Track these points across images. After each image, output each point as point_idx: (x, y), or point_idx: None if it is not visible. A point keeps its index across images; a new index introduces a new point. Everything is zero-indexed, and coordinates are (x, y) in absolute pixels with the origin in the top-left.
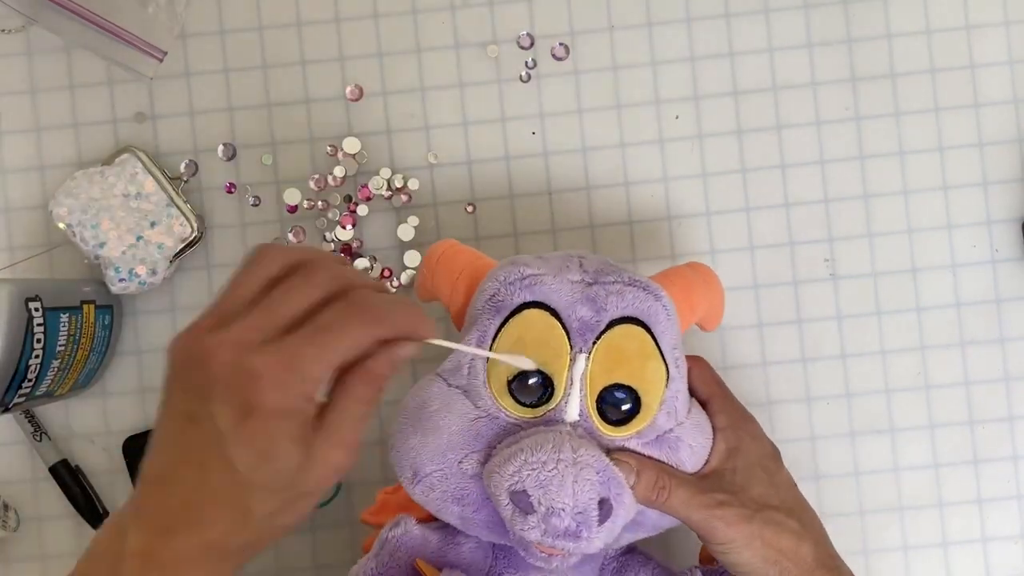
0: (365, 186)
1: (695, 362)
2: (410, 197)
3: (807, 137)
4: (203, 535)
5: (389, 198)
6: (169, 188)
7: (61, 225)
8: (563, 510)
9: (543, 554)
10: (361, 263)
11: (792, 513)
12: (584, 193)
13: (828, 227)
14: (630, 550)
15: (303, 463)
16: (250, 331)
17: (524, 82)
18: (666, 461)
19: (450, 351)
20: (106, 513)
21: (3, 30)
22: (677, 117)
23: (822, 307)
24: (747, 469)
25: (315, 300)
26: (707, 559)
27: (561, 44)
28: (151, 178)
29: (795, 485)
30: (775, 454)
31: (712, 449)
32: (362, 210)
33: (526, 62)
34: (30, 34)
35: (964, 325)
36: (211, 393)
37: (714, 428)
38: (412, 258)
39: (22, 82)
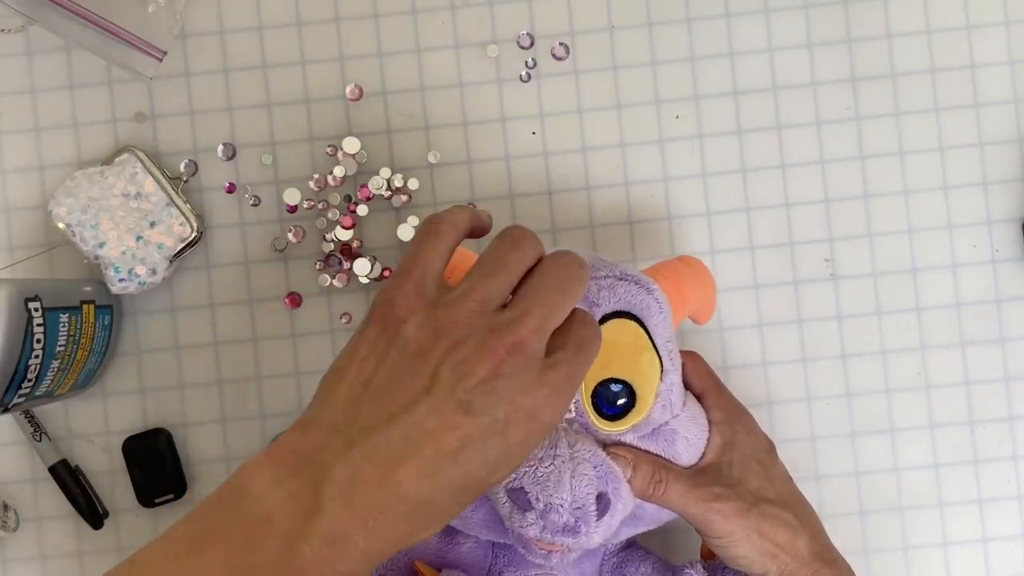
0: (365, 186)
1: (689, 357)
2: (410, 197)
3: (807, 137)
4: (423, 530)
5: (389, 198)
6: (169, 188)
7: (61, 225)
8: (561, 506)
9: (543, 551)
10: (361, 263)
11: (788, 506)
12: (584, 193)
13: (828, 227)
14: (629, 545)
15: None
16: (537, 334)
17: (524, 82)
18: (663, 454)
19: None
20: (106, 513)
21: (3, 30)
22: (677, 117)
23: (822, 307)
24: (743, 463)
25: (573, 307)
26: (708, 554)
27: (561, 44)
28: (151, 178)
29: (790, 479)
30: (770, 447)
31: (708, 443)
32: (362, 210)
33: (526, 62)
34: (30, 34)
35: (964, 325)
36: (502, 397)
37: (709, 422)
38: None
39: (22, 82)
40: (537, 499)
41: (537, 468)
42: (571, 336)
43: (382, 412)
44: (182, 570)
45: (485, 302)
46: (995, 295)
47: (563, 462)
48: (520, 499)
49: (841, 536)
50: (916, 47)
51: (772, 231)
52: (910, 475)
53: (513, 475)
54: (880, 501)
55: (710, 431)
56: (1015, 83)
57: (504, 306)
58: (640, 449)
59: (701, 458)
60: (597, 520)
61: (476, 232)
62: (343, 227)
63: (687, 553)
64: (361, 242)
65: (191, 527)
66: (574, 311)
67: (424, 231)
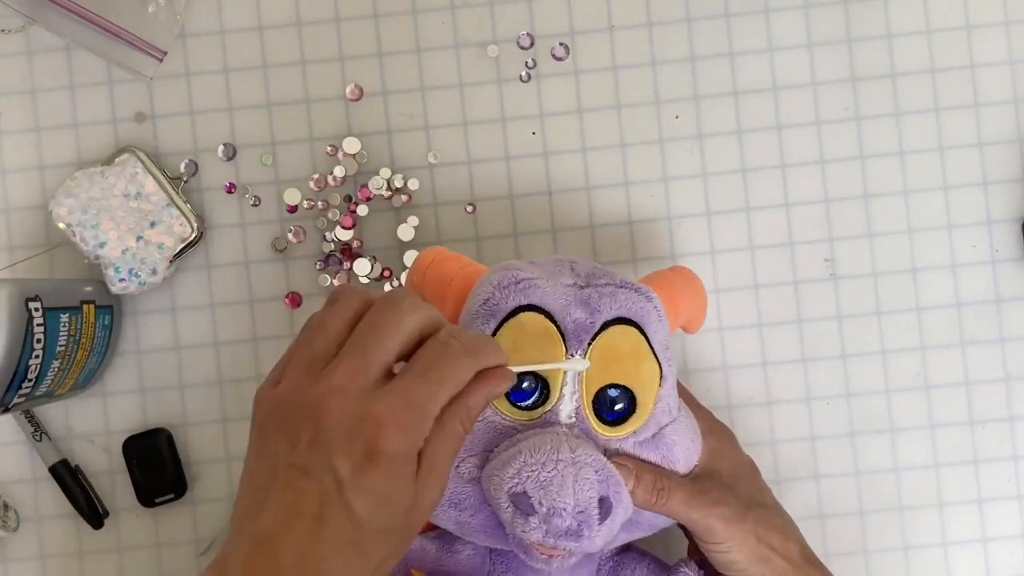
0: (365, 186)
1: None
2: (410, 197)
3: (807, 137)
4: None
5: (389, 198)
6: (169, 188)
7: (61, 225)
8: (564, 510)
9: (544, 556)
10: (361, 263)
11: (776, 513)
12: (584, 193)
13: (828, 227)
14: (625, 548)
15: (413, 503)
16: (355, 376)
17: (524, 82)
18: (661, 460)
19: None
20: (106, 513)
21: (3, 30)
22: (677, 117)
23: (822, 307)
24: (732, 471)
25: (408, 338)
26: (694, 554)
27: (561, 44)
28: (151, 178)
29: (772, 492)
30: (752, 463)
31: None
32: (362, 210)
33: (526, 62)
34: (30, 34)
35: (964, 325)
36: (329, 444)
37: None
38: (412, 258)
39: (22, 82)
40: (540, 503)
41: (540, 472)
42: (415, 361)
43: (254, 500)
44: None
45: (308, 366)
46: (995, 295)
47: (565, 466)
48: (523, 503)
49: (841, 536)
50: (916, 47)
51: (772, 231)
52: (910, 475)
53: (516, 479)
54: (880, 501)
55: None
56: (1015, 83)
57: None
58: (640, 459)
59: (695, 467)
60: (599, 524)
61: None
62: (343, 227)
63: (683, 553)
64: (361, 242)
65: None
66: (434, 336)
67: (303, 326)
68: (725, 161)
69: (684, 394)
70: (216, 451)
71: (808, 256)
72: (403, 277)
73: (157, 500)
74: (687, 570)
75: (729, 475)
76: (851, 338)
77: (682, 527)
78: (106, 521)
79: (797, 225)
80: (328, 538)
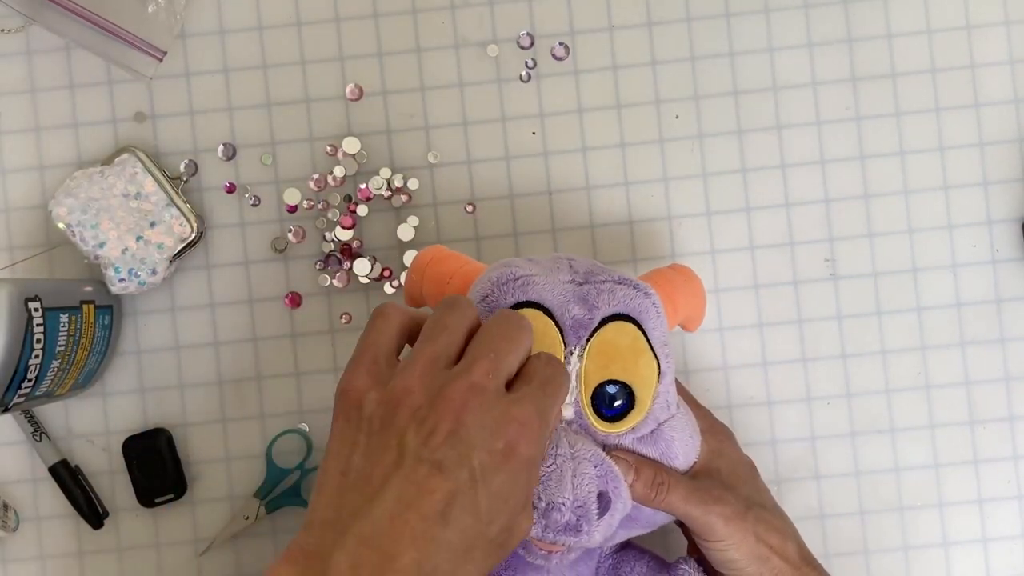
0: (365, 186)
1: None
2: (410, 197)
3: (807, 137)
4: None
5: (389, 198)
6: (169, 188)
7: (61, 225)
8: (563, 504)
9: (543, 551)
10: (361, 263)
11: (775, 513)
12: (584, 193)
13: (828, 227)
14: (625, 545)
15: (520, 514)
16: (490, 378)
17: (524, 82)
18: (660, 457)
19: None
20: (106, 513)
21: (3, 30)
22: (677, 117)
23: (822, 307)
24: (731, 470)
25: (527, 354)
26: (693, 552)
27: (561, 44)
28: (151, 178)
29: (771, 492)
30: (752, 464)
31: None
32: (362, 210)
33: (526, 62)
34: (30, 34)
35: (964, 325)
36: (471, 438)
37: None
38: (412, 258)
39: (22, 82)
40: (539, 498)
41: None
42: (534, 374)
43: (363, 495)
44: None
45: (433, 362)
46: (995, 295)
47: (564, 461)
48: None
49: (841, 536)
50: (916, 47)
51: (772, 231)
52: (910, 475)
53: None
54: (880, 501)
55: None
56: (1015, 83)
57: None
58: (640, 454)
59: (694, 465)
60: (598, 519)
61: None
62: (343, 227)
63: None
64: (361, 242)
65: None
66: (537, 354)
67: (371, 318)
68: (725, 161)
69: (683, 393)
70: (216, 451)
71: (808, 256)
72: (403, 277)
73: (157, 500)
74: (687, 567)
75: (729, 474)
76: (851, 338)
77: (681, 526)
78: (106, 521)
79: (797, 225)
80: (447, 542)
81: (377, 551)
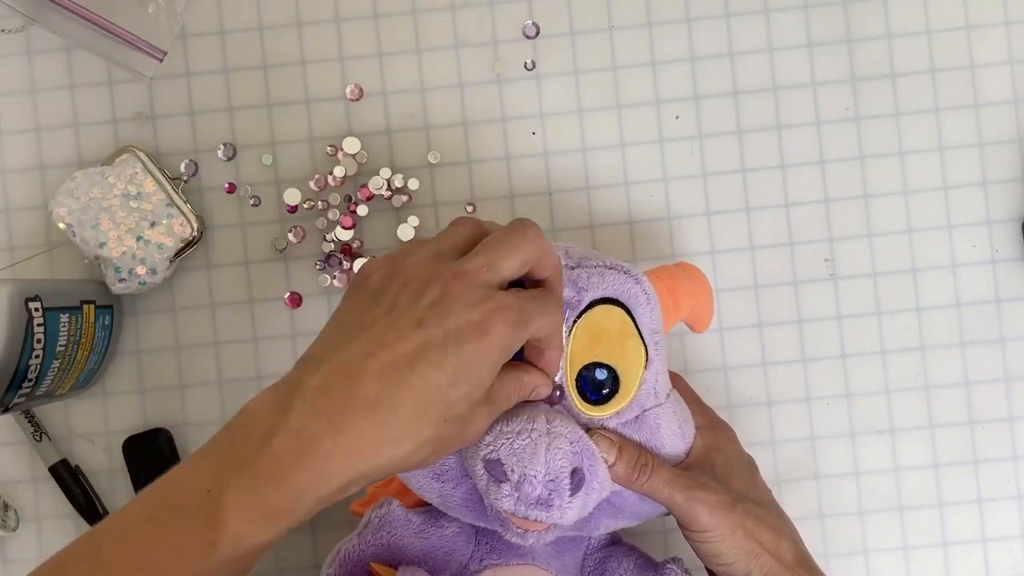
0: (365, 186)
1: (672, 376)
2: (410, 197)
3: (807, 137)
4: (382, 430)
5: (389, 198)
6: (169, 188)
7: (61, 225)
8: (535, 477)
9: (519, 528)
10: (361, 263)
11: (771, 510)
12: (584, 193)
13: (828, 227)
14: (614, 542)
15: (474, 411)
16: (483, 270)
17: (529, 70)
18: (645, 443)
19: None
20: (106, 512)
21: (3, 30)
22: (677, 117)
23: (822, 307)
24: (726, 465)
25: (528, 260)
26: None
27: (532, 23)
28: (151, 178)
29: (771, 493)
30: (751, 462)
31: (691, 445)
32: (362, 210)
33: (525, 63)
34: (30, 34)
35: (964, 325)
36: (452, 306)
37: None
38: None
39: (22, 82)
40: (512, 470)
41: (514, 441)
42: (536, 292)
43: (348, 337)
44: (184, 471)
45: (437, 251)
46: (995, 295)
47: (539, 436)
48: (496, 470)
49: (841, 536)
50: (916, 47)
51: (772, 231)
52: (910, 475)
53: (491, 447)
54: (880, 501)
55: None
56: (1015, 83)
57: None
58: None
59: (686, 458)
60: (571, 495)
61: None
62: (343, 227)
63: (688, 554)
64: (361, 242)
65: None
66: (548, 287)
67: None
68: (725, 161)
69: (686, 390)
70: None
71: (808, 256)
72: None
73: None
74: (675, 567)
75: (723, 468)
76: (851, 338)
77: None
78: None
79: (797, 225)
80: (409, 385)
81: (345, 377)
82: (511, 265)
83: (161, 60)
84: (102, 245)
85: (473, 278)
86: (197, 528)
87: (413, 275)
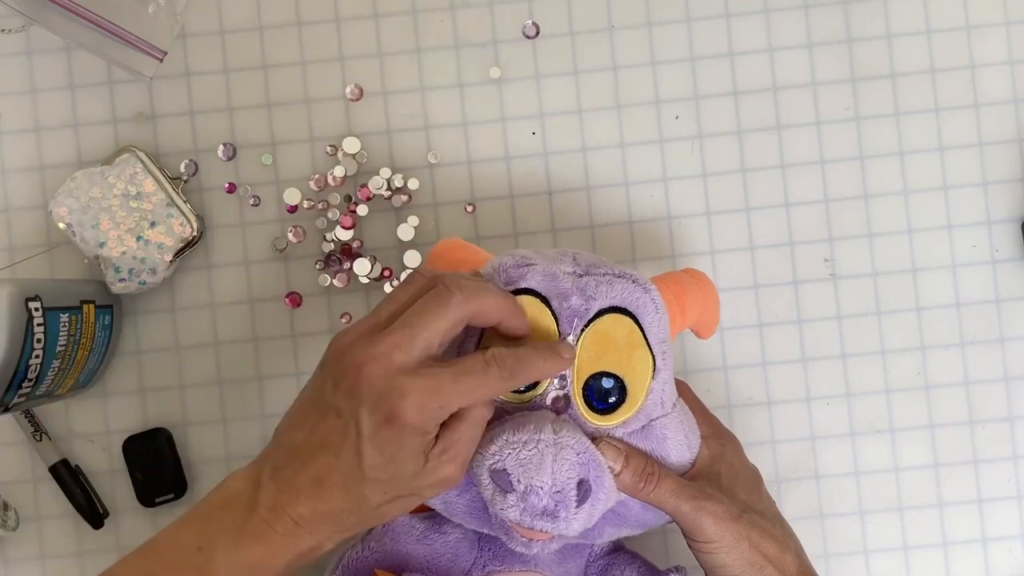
0: (365, 186)
1: (678, 384)
2: (410, 197)
3: (807, 137)
4: (326, 506)
5: (389, 198)
6: (169, 188)
7: (61, 225)
8: (541, 488)
9: (524, 538)
10: (361, 263)
11: (776, 523)
12: (584, 193)
13: (828, 227)
14: (617, 549)
15: (419, 472)
16: (397, 350)
17: (527, 40)
18: (651, 453)
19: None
20: (106, 513)
21: (3, 30)
22: (677, 117)
23: (822, 307)
24: (731, 475)
25: (452, 327)
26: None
27: (532, 23)
28: (151, 178)
29: (776, 504)
30: (757, 473)
31: (697, 454)
32: (362, 210)
33: (524, 29)
34: (30, 34)
35: (964, 325)
36: (360, 398)
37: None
38: (412, 258)
39: (22, 82)
40: (518, 481)
41: (520, 451)
42: (461, 362)
43: (293, 420)
44: (173, 534)
45: (371, 329)
46: (995, 295)
47: (546, 446)
48: (502, 481)
49: (841, 536)
50: (916, 47)
51: (772, 231)
52: (910, 475)
53: (497, 456)
54: (880, 501)
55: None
56: (1015, 83)
57: None
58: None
59: (691, 468)
60: (577, 506)
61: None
62: (343, 227)
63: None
64: (361, 242)
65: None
66: (485, 353)
67: (429, 295)
68: (725, 161)
69: (692, 398)
70: (216, 451)
71: (808, 256)
72: (403, 276)
73: (157, 500)
74: None
75: (728, 479)
76: (851, 338)
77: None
78: (106, 521)
79: (797, 225)
80: (339, 471)
81: (294, 463)
82: (429, 339)
83: (161, 60)
84: (102, 245)
85: (383, 363)
86: None
87: (341, 356)
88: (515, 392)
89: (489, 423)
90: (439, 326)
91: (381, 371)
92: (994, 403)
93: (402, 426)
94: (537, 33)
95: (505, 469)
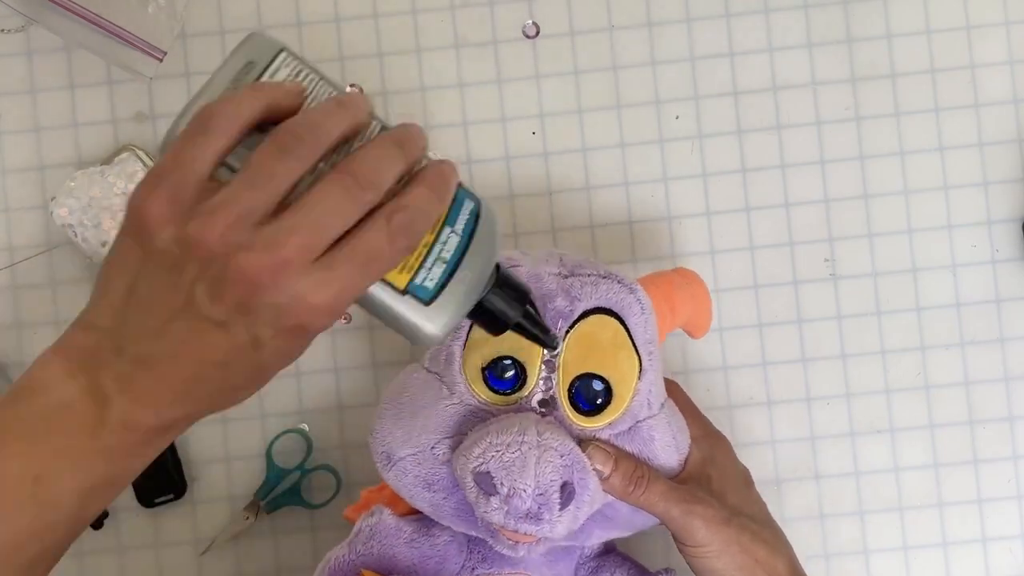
0: None
1: (668, 384)
2: None
3: (807, 137)
4: (196, 408)
5: None
6: None
7: (61, 225)
8: (524, 491)
9: (509, 540)
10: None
11: (766, 526)
12: (584, 193)
13: (828, 227)
14: (608, 551)
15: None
16: (296, 252)
17: (527, 40)
18: (639, 454)
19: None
20: (105, 513)
21: (3, 30)
22: (677, 117)
23: (822, 307)
24: (722, 478)
25: (356, 218)
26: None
27: (532, 23)
28: None
29: (767, 507)
30: (747, 475)
31: (687, 456)
32: None
33: (524, 28)
34: (30, 34)
35: (964, 325)
36: (259, 317)
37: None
38: None
39: (22, 82)
40: (502, 484)
41: (504, 453)
42: (358, 245)
43: (145, 327)
44: None
45: (243, 217)
46: (995, 295)
47: (530, 448)
48: (486, 484)
49: (841, 536)
50: (916, 47)
51: (772, 231)
52: (910, 475)
53: (480, 459)
54: (880, 501)
55: (690, 446)
56: (1015, 83)
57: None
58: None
59: (681, 471)
60: (560, 509)
61: (273, 116)
62: None
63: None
64: None
65: None
66: (382, 214)
67: (193, 125)
68: (725, 161)
69: (683, 399)
70: (216, 451)
71: (808, 256)
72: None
73: (157, 500)
74: None
75: (719, 482)
76: (851, 338)
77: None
78: (106, 521)
79: (797, 225)
80: (223, 379)
81: (153, 374)
82: (338, 231)
83: (161, 60)
84: (104, 245)
85: (286, 273)
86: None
87: (212, 255)
88: (501, 394)
89: (474, 425)
90: (349, 217)
91: (284, 282)
92: (994, 403)
93: (310, 335)
94: (537, 33)
95: (489, 472)
